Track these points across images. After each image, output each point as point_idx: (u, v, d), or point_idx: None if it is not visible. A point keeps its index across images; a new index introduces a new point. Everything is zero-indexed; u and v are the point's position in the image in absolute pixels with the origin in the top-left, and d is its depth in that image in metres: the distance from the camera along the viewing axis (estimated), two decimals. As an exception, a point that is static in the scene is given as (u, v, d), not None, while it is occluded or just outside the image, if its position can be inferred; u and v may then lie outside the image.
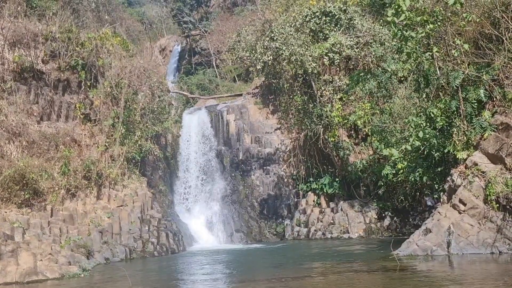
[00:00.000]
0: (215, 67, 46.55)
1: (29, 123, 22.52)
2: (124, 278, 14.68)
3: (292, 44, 25.39)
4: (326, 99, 26.76)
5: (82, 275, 16.64)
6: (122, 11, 50.82)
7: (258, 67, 27.08)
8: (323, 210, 27.32)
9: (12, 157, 20.75)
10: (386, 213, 25.95)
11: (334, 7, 26.99)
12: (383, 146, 22.79)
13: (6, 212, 19.34)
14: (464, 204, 15.70)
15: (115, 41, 27.13)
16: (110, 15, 40.47)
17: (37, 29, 24.60)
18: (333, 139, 26.60)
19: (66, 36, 24.61)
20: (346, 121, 25.91)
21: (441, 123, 17.01)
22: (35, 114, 23.30)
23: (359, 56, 26.31)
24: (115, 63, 25.47)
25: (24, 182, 20.17)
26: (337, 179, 27.55)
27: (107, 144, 23.74)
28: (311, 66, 25.60)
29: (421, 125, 17.36)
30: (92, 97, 24.84)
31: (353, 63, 27.42)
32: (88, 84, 24.91)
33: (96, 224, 20.99)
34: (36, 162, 20.95)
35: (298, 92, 28.06)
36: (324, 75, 27.18)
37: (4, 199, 19.74)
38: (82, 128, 24.28)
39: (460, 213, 15.80)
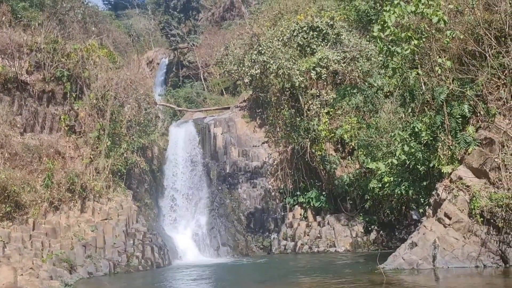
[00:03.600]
0: (202, 80, 46.60)
1: (12, 134, 22.18)
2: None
3: (279, 58, 25.54)
4: (313, 113, 26.88)
5: (64, 290, 16.29)
6: (109, 23, 50.70)
7: (246, 80, 27.14)
8: (310, 223, 27.24)
9: (-6, 169, 20.37)
10: (373, 227, 25.97)
11: (321, 22, 27.28)
12: (369, 160, 22.91)
13: (-14, 226, 18.92)
14: (449, 218, 15.79)
15: (102, 52, 27.01)
16: (97, 26, 40.35)
17: (22, 40, 24.38)
18: (320, 153, 26.66)
19: (52, 47, 24.42)
20: (333, 135, 26.01)
21: (426, 138, 17.19)
22: (18, 125, 22.97)
23: (346, 71, 26.56)
24: (101, 75, 25.32)
25: (6, 194, 19.79)
26: (324, 193, 27.56)
27: (92, 157, 23.46)
28: (299, 80, 25.76)
29: (407, 139, 17.52)
30: (77, 109, 24.61)
31: (340, 77, 27.66)
32: (74, 95, 24.70)
33: (79, 238, 20.62)
34: (18, 175, 20.60)
35: (286, 106, 28.17)
36: (311, 89, 27.35)
37: (-15, 212, 19.33)
38: (67, 140, 23.99)
39: (445, 227, 15.87)
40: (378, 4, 28.98)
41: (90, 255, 20.33)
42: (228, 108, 35.53)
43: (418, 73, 17.32)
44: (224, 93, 43.96)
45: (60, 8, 32.55)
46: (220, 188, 29.41)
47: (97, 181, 23.04)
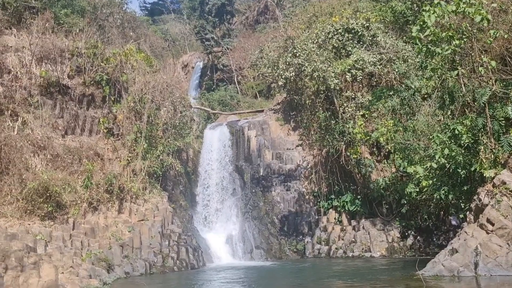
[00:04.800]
0: (236, 83, 46.89)
1: (54, 136, 22.95)
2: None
3: (314, 61, 25.35)
4: (348, 115, 26.53)
5: (102, 288, 16.64)
6: (146, 28, 51.88)
7: (280, 83, 27.09)
8: (344, 228, 26.87)
9: (36, 170, 21.11)
10: (409, 232, 25.36)
11: (356, 24, 26.94)
12: (406, 163, 22.39)
13: (29, 224, 19.59)
14: (492, 224, 15.22)
15: (139, 57, 27.60)
16: (135, 31, 41.33)
17: (64, 45, 25.26)
18: (355, 156, 26.26)
19: (92, 52, 25.17)
20: (368, 138, 25.56)
21: (467, 141, 16.63)
22: (60, 128, 23.75)
23: (382, 73, 26.10)
24: (139, 79, 25.87)
25: (48, 195, 20.44)
26: (359, 197, 27.13)
27: (129, 159, 23.96)
28: (334, 82, 25.48)
29: (446, 142, 17.02)
30: (116, 112, 25.22)
31: (376, 79, 27.19)
32: (112, 99, 25.35)
33: (117, 238, 21.06)
34: (59, 175, 21.26)
35: (320, 109, 27.91)
36: (346, 92, 27.00)
37: (28, 211, 20.02)
38: (105, 142, 24.60)
39: (487, 233, 15.31)
40: (415, 5, 28.35)
41: (127, 255, 20.73)
42: (262, 111, 35.55)
43: (458, 74, 16.80)
44: (258, 96, 44.06)
45: (100, 14, 33.55)
46: (253, 190, 29.45)
47: (134, 183, 23.51)
